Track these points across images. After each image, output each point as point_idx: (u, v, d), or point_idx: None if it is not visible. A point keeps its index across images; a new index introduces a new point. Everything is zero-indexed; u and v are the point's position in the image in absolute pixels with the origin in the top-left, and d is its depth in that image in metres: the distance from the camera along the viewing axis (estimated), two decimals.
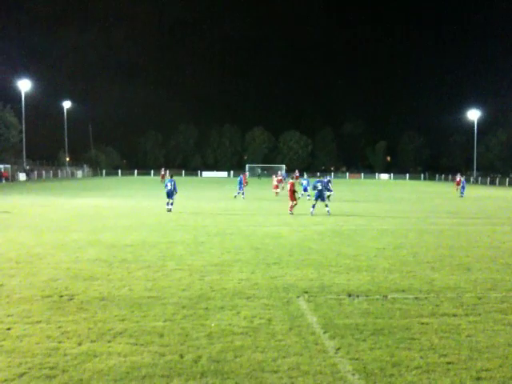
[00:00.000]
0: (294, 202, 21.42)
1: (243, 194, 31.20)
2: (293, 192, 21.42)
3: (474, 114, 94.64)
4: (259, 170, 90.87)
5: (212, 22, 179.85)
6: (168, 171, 57.57)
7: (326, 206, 21.27)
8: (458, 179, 42.03)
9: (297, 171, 52.93)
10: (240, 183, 31.42)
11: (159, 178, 63.26)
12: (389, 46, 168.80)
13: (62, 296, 7.84)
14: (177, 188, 22.19)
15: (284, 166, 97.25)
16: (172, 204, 21.77)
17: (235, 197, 31.50)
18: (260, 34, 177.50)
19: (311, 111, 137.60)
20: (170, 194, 21.71)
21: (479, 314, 7.13)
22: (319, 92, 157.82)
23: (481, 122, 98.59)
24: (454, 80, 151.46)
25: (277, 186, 37.63)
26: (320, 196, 21.08)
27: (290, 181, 22.34)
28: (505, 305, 7.67)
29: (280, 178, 43.74)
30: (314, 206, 21.07)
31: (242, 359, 5.43)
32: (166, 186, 21.92)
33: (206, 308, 7.23)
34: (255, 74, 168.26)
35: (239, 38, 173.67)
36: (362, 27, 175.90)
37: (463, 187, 38.90)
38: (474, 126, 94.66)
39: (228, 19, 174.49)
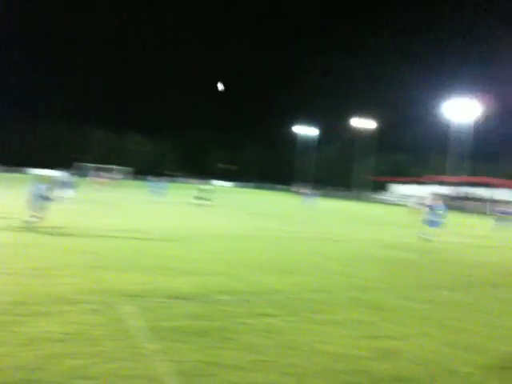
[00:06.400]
0: None
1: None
2: None
3: (305, 129, 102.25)
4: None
5: None
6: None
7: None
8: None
9: None
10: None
11: None
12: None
13: None
14: None
15: (120, 167, 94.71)
16: None
17: None
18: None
19: (156, 113, 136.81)
20: None
21: (294, 315, 7.71)
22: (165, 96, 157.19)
23: (315, 136, 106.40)
24: (287, 94, 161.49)
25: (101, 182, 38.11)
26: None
27: None
28: (319, 305, 8.40)
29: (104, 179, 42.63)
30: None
31: (59, 366, 5.23)
32: None
33: (22, 314, 6.80)
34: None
35: None
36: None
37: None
38: (309, 140, 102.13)
39: None
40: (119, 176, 71.26)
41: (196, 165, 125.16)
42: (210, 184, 34.29)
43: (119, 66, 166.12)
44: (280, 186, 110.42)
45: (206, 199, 31.43)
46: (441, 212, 19.80)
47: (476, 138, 77.44)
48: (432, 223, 19.52)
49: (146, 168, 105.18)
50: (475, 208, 61.55)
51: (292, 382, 5.19)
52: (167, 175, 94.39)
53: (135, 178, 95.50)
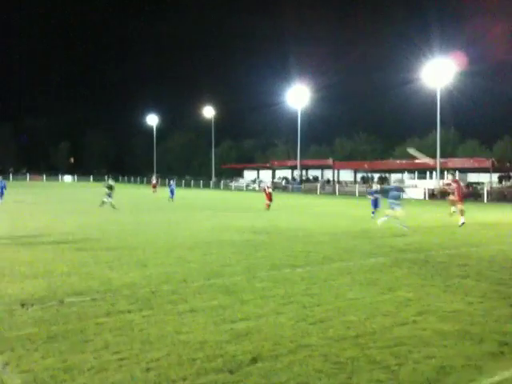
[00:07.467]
0: None
1: None
2: None
3: (152, 119, 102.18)
4: None
5: None
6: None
7: None
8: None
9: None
10: None
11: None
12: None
13: None
14: None
15: None
16: None
17: None
18: None
19: None
20: None
21: (152, 308, 7.59)
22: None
23: (161, 126, 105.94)
24: (136, 83, 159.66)
25: None
26: None
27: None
28: (175, 296, 8.36)
29: None
30: None
31: None
32: None
33: None
34: None
35: None
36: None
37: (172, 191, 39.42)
38: (153, 130, 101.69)
39: None
40: None
41: (37, 159, 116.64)
42: (108, 180, 31.29)
43: None
44: (137, 179, 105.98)
45: (110, 196, 28.27)
46: (378, 196, 23.51)
47: (309, 122, 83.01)
48: (374, 205, 23.40)
49: None
50: (326, 189, 65.86)
51: (155, 377, 5.11)
52: (3, 172, 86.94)
53: None
